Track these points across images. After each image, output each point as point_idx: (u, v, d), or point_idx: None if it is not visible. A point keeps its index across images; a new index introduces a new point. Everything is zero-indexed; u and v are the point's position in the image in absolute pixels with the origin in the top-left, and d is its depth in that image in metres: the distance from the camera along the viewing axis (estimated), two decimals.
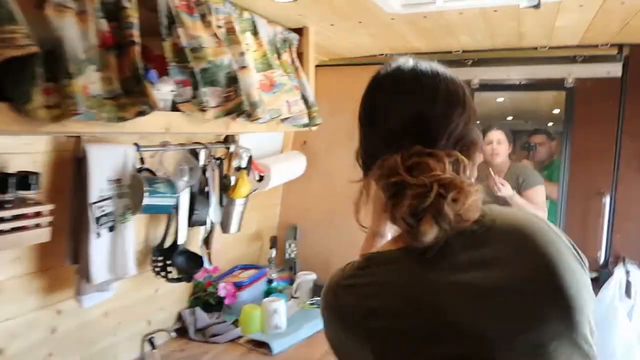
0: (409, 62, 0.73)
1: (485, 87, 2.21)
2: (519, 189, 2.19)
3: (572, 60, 2.06)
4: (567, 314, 0.61)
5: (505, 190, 2.13)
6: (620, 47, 1.98)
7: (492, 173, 2.18)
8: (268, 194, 2.27)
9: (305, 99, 1.71)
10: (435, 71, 0.72)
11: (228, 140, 1.92)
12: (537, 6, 1.40)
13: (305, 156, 2.41)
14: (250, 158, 1.98)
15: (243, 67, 1.35)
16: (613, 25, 1.69)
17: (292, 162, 2.33)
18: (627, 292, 2.03)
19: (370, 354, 0.64)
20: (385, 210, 0.66)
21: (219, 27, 1.32)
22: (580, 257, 0.67)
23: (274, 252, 2.35)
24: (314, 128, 1.79)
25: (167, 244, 1.69)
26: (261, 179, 2.08)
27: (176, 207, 1.62)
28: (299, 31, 1.77)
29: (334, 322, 0.70)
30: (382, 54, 2.24)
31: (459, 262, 0.63)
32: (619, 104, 2.03)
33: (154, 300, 1.76)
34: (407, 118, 0.68)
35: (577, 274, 0.64)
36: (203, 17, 1.25)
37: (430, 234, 0.61)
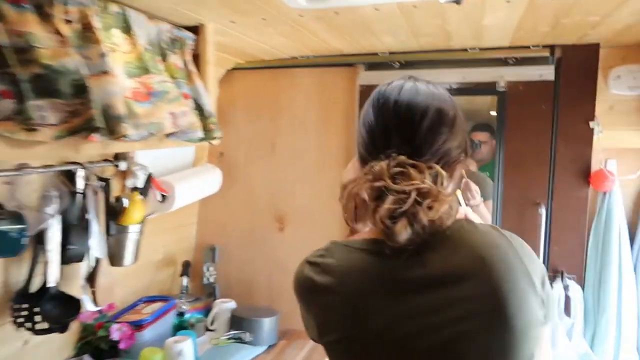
0: (407, 84, 0.79)
1: None
2: None
3: (503, 62, 1.93)
4: (505, 332, 0.64)
5: (479, 198, 1.95)
6: (552, 48, 1.86)
7: (468, 180, 1.99)
8: (181, 213, 2.00)
9: (200, 108, 1.45)
10: (430, 93, 0.78)
11: (118, 157, 1.63)
12: (458, 2, 1.23)
13: (224, 168, 2.14)
14: (149, 176, 1.70)
15: (103, 72, 1.07)
16: (544, 24, 1.55)
17: (204, 177, 2.05)
18: (567, 308, 1.91)
19: (314, 323, 0.76)
20: (366, 212, 0.71)
21: (69, 21, 1.04)
22: (537, 282, 0.69)
23: (185, 280, 2.07)
24: (214, 142, 1.53)
25: (34, 287, 1.39)
26: (164, 199, 1.81)
27: (42, 243, 1.33)
28: (196, 30, 1.52)
29: (295, 292, 0.79)
30: (303, 56, 2.02)
31: (405, 262, 0.69)
32: (553, 108, 1.92)
33: (23, 354, 1.45)
34: (398, 134, 0.75)
35: (525, 296, 0.67)
36: (39, 8, 0.97)
37: (404, 234, 0.68)
